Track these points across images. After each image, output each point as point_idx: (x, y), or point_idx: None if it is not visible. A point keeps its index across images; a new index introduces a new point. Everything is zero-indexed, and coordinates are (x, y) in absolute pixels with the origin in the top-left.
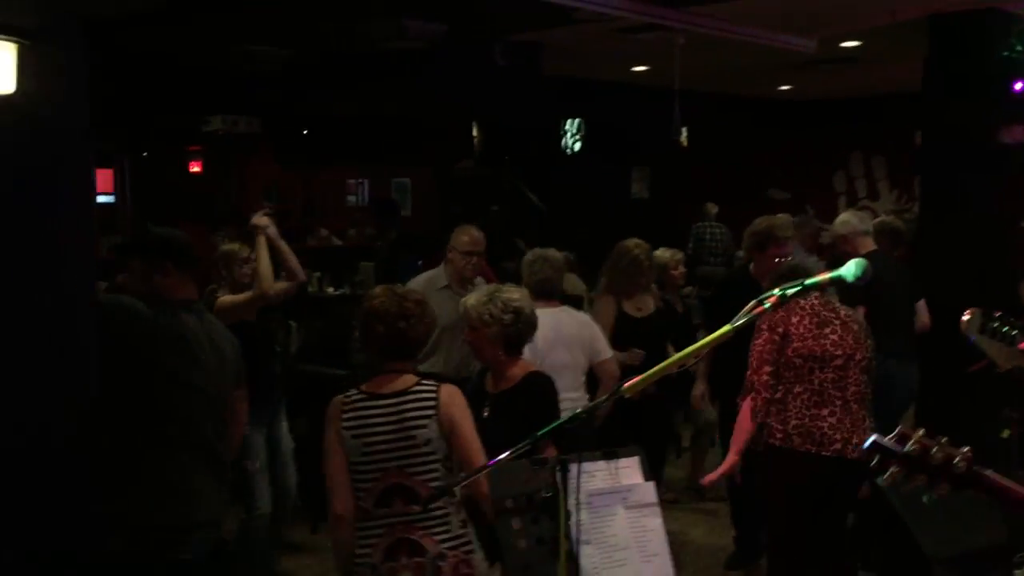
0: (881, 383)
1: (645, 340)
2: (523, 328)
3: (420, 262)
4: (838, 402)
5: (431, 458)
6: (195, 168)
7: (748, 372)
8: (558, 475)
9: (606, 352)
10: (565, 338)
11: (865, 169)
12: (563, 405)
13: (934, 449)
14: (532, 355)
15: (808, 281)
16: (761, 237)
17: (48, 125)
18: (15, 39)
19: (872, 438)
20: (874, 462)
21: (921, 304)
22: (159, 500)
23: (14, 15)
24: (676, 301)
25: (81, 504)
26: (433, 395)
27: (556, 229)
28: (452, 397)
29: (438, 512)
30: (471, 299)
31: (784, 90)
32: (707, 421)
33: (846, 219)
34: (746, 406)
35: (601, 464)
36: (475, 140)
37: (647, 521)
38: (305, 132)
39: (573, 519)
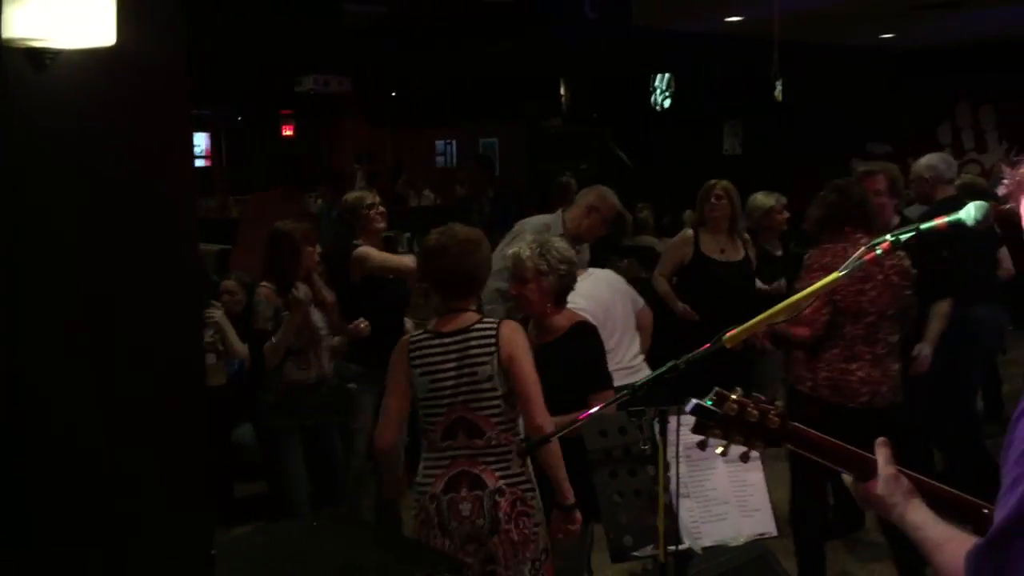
0: (970, 328)
1: (724, 286)
2: (573, 279)
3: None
4: (867, 356)
5: (492, 394)
6: (287, 132)
7: (809, 310)
8: (656, 427)
9: (640, 299)
10: (620, 292)
11: (972, 120)
12: (635, 361)
13: (749, 407)
14: (604, 315)
15: (923, 225)
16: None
17: (147, 78)
18: None
19: (693, 402)
20: (693, 426)
21: (1004, 252)
22: None
23: None
24: (776, 248)
25: None
26: (493, 332)
27: (646, 186)
28: (513, 334)
29: (499, 449)
30: (524, 251)
31: (886, 38)
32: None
33: (933, 163)
34: (804, 332)
35: None
36: (562, 98)
37: (748, 476)
38: (393, 93)
39: (672, 472)
